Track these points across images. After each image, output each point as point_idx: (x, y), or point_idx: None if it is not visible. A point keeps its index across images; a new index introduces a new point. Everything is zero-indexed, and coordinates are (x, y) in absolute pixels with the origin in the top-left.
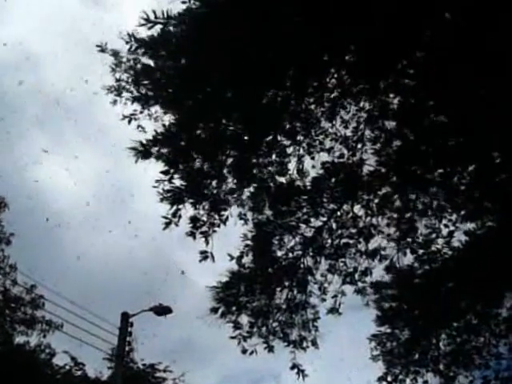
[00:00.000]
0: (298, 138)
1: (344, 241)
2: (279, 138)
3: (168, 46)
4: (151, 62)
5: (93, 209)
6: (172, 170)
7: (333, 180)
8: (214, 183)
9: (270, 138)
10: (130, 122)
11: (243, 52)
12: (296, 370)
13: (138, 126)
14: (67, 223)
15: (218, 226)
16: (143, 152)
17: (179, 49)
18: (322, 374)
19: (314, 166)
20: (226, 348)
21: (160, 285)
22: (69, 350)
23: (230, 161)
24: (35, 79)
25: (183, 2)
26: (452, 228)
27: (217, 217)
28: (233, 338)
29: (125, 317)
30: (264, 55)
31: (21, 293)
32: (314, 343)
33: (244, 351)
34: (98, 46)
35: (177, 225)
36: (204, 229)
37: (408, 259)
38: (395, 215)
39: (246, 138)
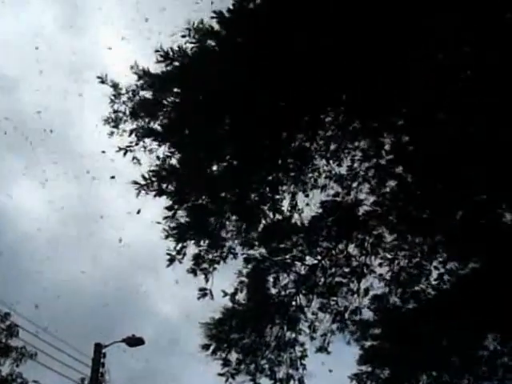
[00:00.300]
0: (292, 174)
1: (337, 279)
2: (273, 174)
3: (172, 81)
4: (150, 95)
5: (60, 234)
6: (176, 206)
7: (329, 219)
8: (215, 220)
9: (264, 174)
10: (125, 153)
11: (240, 89)
12: None
13: (133, 158)
14: (34, 249)
15: (218, 263)
16: (146, 186)
17: (180, 83)
18: None
19: (308, 204)
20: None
21: (129, 314)
22: (40, 379)
23: (230, 197)
24: (8, 101)
25: (183, 36)
26: (441, 270)
27: (217, 254)
28: (221, 375)
29: (98, 347)
30: (260, 92)
31: None
32: (301, 382)
33: None
34: (98, 77)
35: (180, 262)
36: (204, 266)
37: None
38: (388, 255)
39: (241, 174)
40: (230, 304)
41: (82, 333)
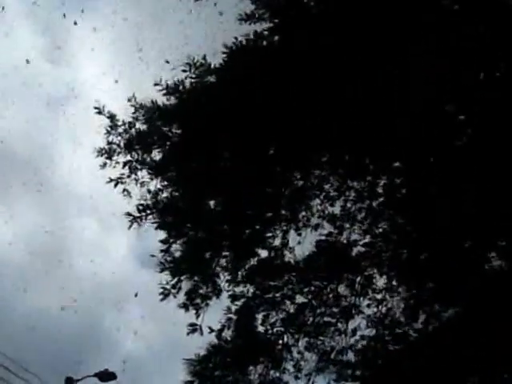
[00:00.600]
0: (284, 212)
1: (325, 319)
2: (265, 211)
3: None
4: (145, 128)
5: (29, 266)
6: (171, 240)
7: (322, 258)
8: (209, 255)
9: (256, 211)
10: (116, 185)
11: (236, 127)
12: None
13: (124, 190)
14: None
15: (210, 299)
16: (139, 218)
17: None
18: None
19: (299, 242)
20: None
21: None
22: None
23: (225, 232)
24: None
25: (184, 71)
26: (428, 312)
27: (210, 289)
28: None
29: (69, 381)
30: (256, 130)
31: None
32: None
33: None
34: (95, 107)
35: (175, 296)
36: (197, 301)
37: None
38: (378, 296)
39: (235, 210)
40: (215, 340)
41: (53, 366)
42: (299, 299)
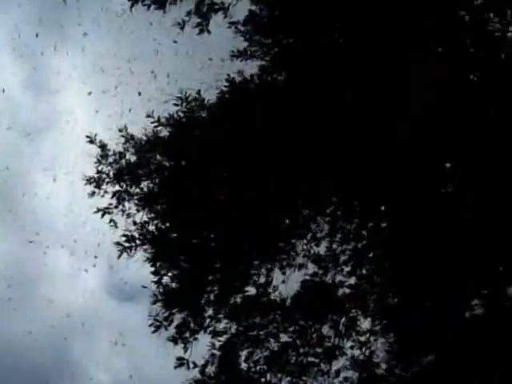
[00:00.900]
0: (269, 251)
1: (309, 359)
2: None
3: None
4: (135, 159)
5: None
6: (162, 272)
7: (307, 298)
8: (198, 289)
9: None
10: (103, 215)
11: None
12: None
13: (111, 221)
14: None
15: (198, 333)
16: (129, 248)
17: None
18: None
19: (284, 281)
20: None
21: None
22: None
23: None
24: None
25: (175, 105)
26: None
27: (198, 323)
28: None
29: None
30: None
31: None
32: None
33: None
34: (87, 136)
35: (166, 329)
36: (185, 335)
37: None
38: (361, 338)
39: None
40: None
41: None
42: (283, 338)
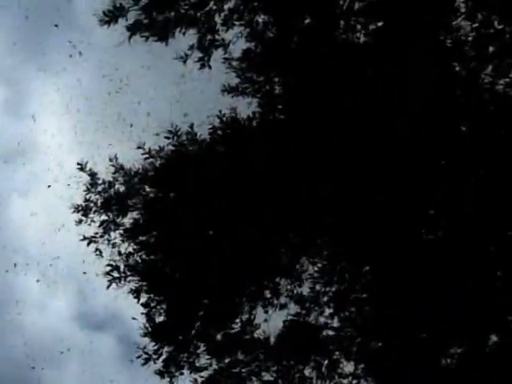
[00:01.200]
0: (251, 289)
1: None
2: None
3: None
4: (124, 190)
5: None
6: (152, 304)
7: (291, 339)
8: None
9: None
10: (89, 244)
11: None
12: None
13: (96, 250)
14: None
15: (183, 368)
16: (118, 279)
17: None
18: None
19: (266, 320)
20: None
21: None
22: None
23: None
24: None
25: (167, 138)
26: None
27: (185, 358)
28: None
29: None
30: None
31: None
32: None
33: None
34: (78, 163)
35: (155, 362)
36: (171, 369)
37: None
38: (344, 381)
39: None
40: None
41: None
42: (265, 376)
